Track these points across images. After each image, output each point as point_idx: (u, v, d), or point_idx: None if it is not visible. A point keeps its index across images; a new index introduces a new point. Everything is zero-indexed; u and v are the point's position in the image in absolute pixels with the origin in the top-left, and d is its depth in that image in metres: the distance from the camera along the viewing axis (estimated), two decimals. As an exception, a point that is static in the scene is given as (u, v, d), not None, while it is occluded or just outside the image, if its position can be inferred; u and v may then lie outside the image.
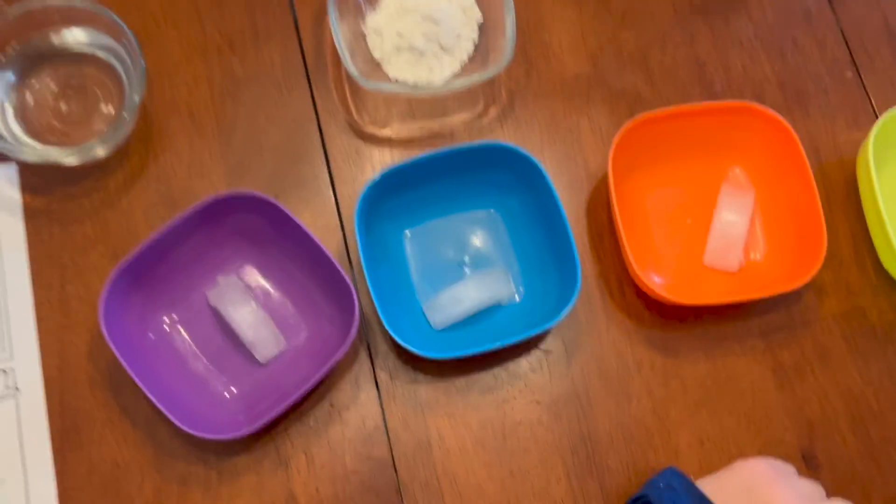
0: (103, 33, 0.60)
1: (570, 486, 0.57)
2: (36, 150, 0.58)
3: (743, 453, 0.59)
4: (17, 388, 0.56)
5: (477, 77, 0.61)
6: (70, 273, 0.58)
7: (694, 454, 0.58)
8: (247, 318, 0.57)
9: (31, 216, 0.59)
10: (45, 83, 0.61)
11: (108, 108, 0.61)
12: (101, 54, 0.62)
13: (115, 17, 0.58)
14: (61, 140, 0.60)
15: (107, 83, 0.62)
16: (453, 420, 0.58)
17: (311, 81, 0.65)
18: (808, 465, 0.59)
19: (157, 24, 0.65)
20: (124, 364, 0.52)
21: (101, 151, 0.58)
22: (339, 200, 0.62)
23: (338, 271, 0.56)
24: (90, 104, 0.61)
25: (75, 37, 0.61)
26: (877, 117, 0.67)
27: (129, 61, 0.60)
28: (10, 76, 0.60)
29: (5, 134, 0.58)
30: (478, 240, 0.62)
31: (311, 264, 0.58)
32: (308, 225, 0.61)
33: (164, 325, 0.57)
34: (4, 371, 0.56)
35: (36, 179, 0.60)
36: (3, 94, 0.60)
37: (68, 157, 0.57)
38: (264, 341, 0.57)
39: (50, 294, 0.58)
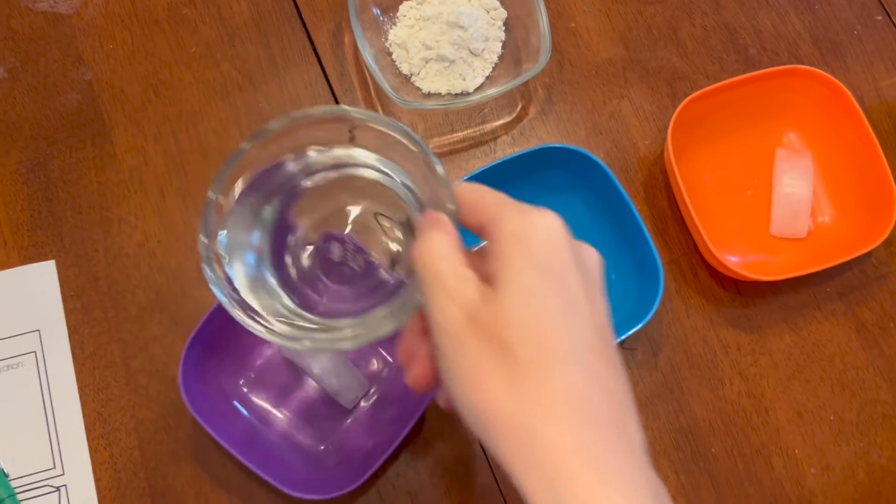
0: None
1: (678, 481, 0.56)
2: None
3: (842, 419, 0.58)
4: None
5: (513, 83, 0.58)
6: (132, 348, 0.56)
7: (795, 428, 0.58)
8: (326, 366, 0.54)
9: (79, 296, 0.56)
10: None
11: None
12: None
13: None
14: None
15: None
16: (551, 434, 0.56)
17: (341, 107, 0.62)
18: (907, 421, 0.59)
19: (169, 68, 0.62)
20: (217, 437, 0.50)
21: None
22: (393, 226, 0.60)
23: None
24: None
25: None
26: (913, 57, 0.66)
27: None
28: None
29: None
30: (544, 246, 0.60)
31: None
32: (366, 257, 0.59)
33: (242, 387, 0.55)
34: (56, 488, 0.53)
35: (75, 257, 0.57)
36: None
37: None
38: (348, 387, 0.55)
39: (115, 372, 0.55)
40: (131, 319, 0.56)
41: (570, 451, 0.28)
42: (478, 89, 0.62)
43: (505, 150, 0.62)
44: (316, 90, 0.62)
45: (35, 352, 0.55)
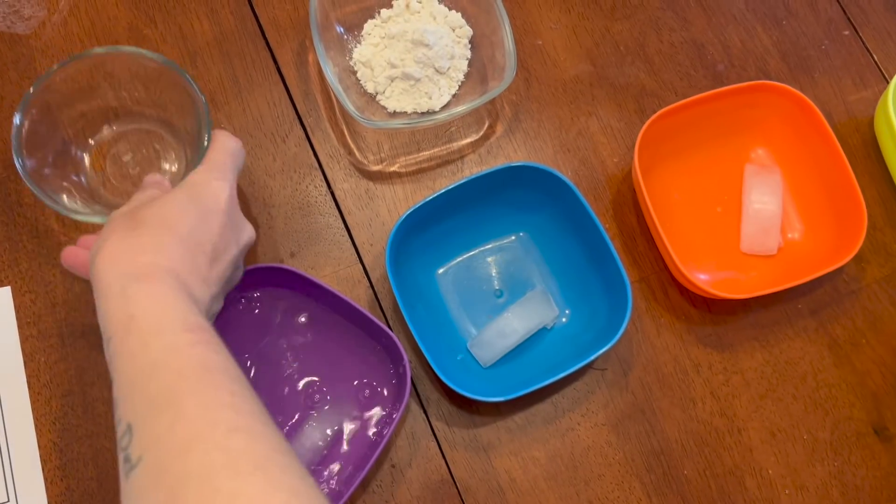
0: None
1: (651, 504, 0.55)
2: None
3: (815, 438, 0.57)
4: None
5: (479, 100, 0.58)
6: (90, 375, 0.54)
7: (768, 448, 0.57)
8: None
9: (36, 323, 0.55)
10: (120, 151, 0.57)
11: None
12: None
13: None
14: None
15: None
16: (520, 458, 0.55)
17: (306, 126, 0.61)
18: (881, 438, 0.58)
19: (130, 90, 0.61)
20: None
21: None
22: (359, 248, 0.59)
23: (377, 327, 0.53)
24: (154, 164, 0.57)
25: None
26: (881, 71, 0.66)
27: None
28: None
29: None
30: (512, 266, 0.59)
31: (345, 322, 0.55)
32: (330, 279, 0.58)
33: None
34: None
35: (32, 283, 0.56)
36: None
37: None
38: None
39: (73, 401, 0.54)
40: (89, 346, 0.55)
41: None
42: (444, 108, 0.61)
43: (472, 168, 0.61)
44: (279, 110, 0.61)
45: (-11, 381, 0.54)
